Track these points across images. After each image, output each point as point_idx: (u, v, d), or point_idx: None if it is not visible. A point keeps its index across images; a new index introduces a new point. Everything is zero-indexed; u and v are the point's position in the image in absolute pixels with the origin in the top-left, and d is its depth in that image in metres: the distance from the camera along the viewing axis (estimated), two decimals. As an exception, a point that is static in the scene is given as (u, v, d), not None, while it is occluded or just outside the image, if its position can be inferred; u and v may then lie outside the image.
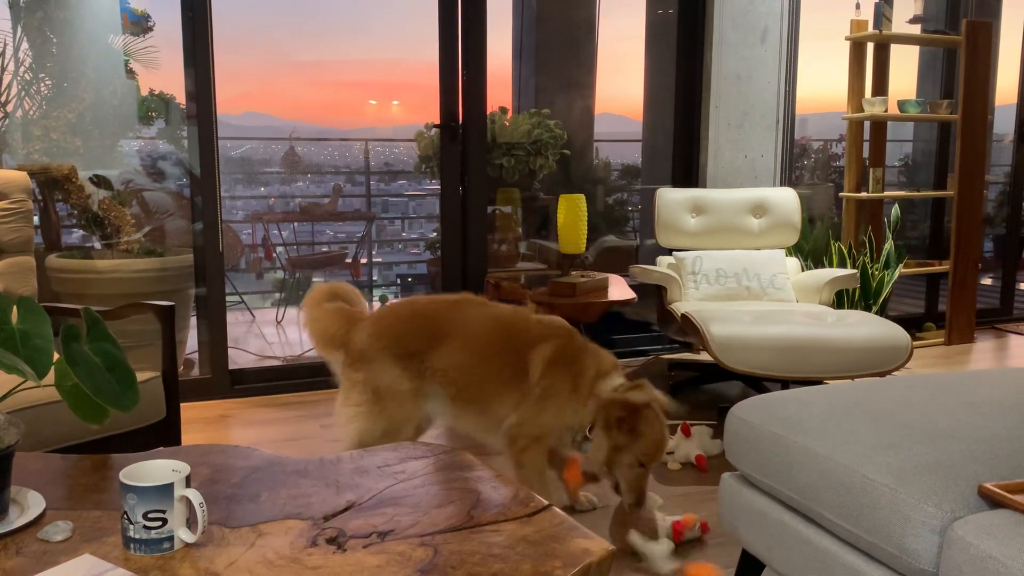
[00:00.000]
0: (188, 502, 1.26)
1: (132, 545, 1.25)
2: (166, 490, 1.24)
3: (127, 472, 1.27)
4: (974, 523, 1.35)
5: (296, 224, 7.09)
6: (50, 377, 1.38)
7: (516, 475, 2.28)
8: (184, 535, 1.27)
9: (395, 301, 2.55)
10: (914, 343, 3.25)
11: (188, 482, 1.29)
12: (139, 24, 4.42)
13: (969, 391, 1.99)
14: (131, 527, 1.24)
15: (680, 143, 4.62)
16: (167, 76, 4.53)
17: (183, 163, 4.24)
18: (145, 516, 1.23)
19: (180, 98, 4.39)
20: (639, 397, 2.20)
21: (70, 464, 1.64)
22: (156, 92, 4.55)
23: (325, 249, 7.58)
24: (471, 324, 2.36)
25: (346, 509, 1.42)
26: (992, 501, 1.40)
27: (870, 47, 4.86)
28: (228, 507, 1.43)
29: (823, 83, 6.12)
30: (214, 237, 3.81)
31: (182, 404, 2.53)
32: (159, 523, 1.24)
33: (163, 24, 4.47)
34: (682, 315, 3.40)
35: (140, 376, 2.25)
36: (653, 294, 3.92)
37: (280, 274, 6.67)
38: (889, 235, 4.74)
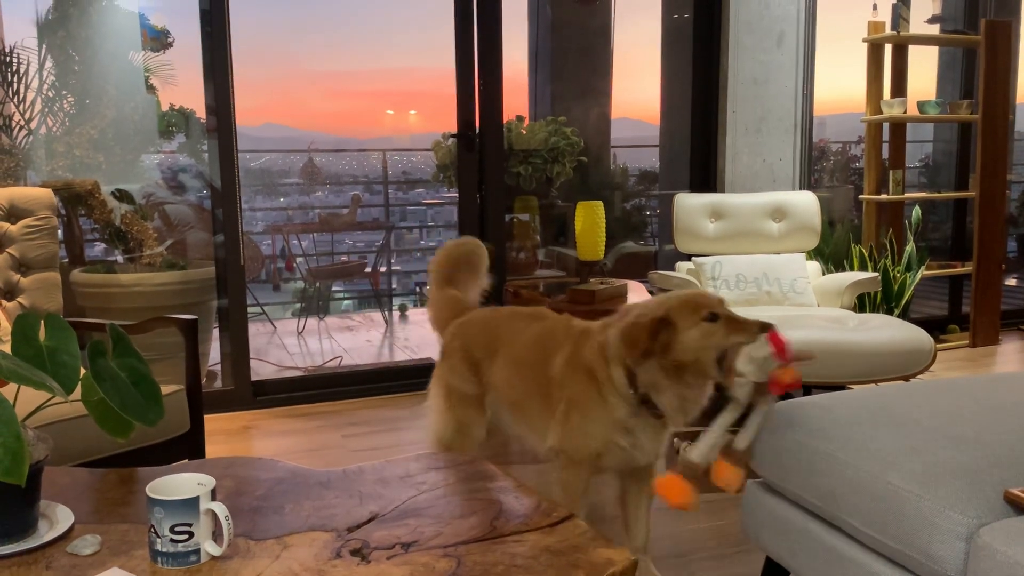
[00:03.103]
0: (214, 515, 1.28)
1: (159, 558, 1.26)
2: (192, 503, 1.26)
3: (154, 486, 1.29)
4: (1001, 529, 1.34)
5: (315, 234, 7.14)
6: (76, 392, 1.40)
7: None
8: (210, 548, 1.28)
9: (489, 309, 2.52)
10: (938, 346, 3.22)
11: (214, 495, 1.30)
12: (159, 40, 4.48)
13: (994, 395, 1.97)
14: (158, 540, 1.26)
15: (698, 148, 4.61)
16: (187, 90, 4.58)
17: (204, 176, 4.29)
18: (172, 529, 1.25)
19: (200, 112, 4.45)
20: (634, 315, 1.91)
21: (97, 478, 1.66)
22: (176, 107, 4.60)
23: (344, 258, 7.62)
24: (516, 338, 2.26)
25: (369, 520, 1.43)
26: (1019, 507, 1.39)
27: (888, 48, 4.83)
28: (253, 519, 1.44)
29: (841, 85, 6.09)
30: (235, 249, 3.84)
31: (205, 416, 2.55)
32: (186, 536, 1.25)
33: (182, 39, 4.53)
34: (702, 321, 3.39)
35: (164, 390, 2.27)
36: (673, 300, 3.90)
37: (300, 284, 6.72)
38: (910, 237, 4.71)
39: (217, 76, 3.74)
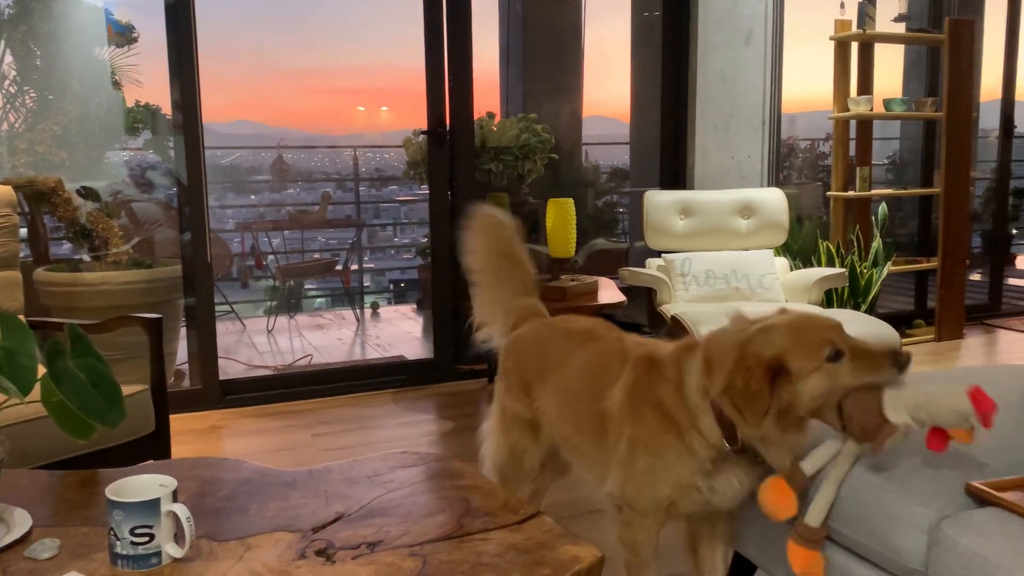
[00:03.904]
0: (175, 517, 1.26)
1: (119, 561, 1.24)
2: (152, 505, 1.24)
3: (113, 488, 1.27)
4: (962, 521, 1.36)
5: (286, 232, 7.08)
6: (36, 393, 1.38)
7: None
8: (172, 550, 1.26)
9: (544, 320, 2.17)
10: (904, 340, 3.26)
11: (175, 496, 1.28)
12: (124, 35, 4.41)
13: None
14: (118, 543, 1.24)
15: (667, 145, 4.63)
16: (153, 87, 4.52)
17: (172, 173, 4.23)
18: (132, 532, 1.23)
19: (166, 108, 4.39)
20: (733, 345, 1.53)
21: (57, 480, 1.63)
22: (142, 103, 4.54)
23: (317, 256, 7.57)
24: (566, 361, 1.97)
25: (335, 520, 1.42)
26: (980, 499, 1.41)
27: (855, 46, 4.88)
28: (216, 521, 1.42)
29: (811, 83, 6.15)
30: (202, 247, 3.80)
31: (173, 416, 2.52)
32: (146, 539, 1.23)
33: (148, 35, 4.47)
34: (672, 317, 3.41)
35: (128, 389, 2.24)
36: (643, 296, 3.93)
37: (271, 283, 6.66)
38: (877, 233, 4.76)
39: (183, 72, 3.69)
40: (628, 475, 1.70)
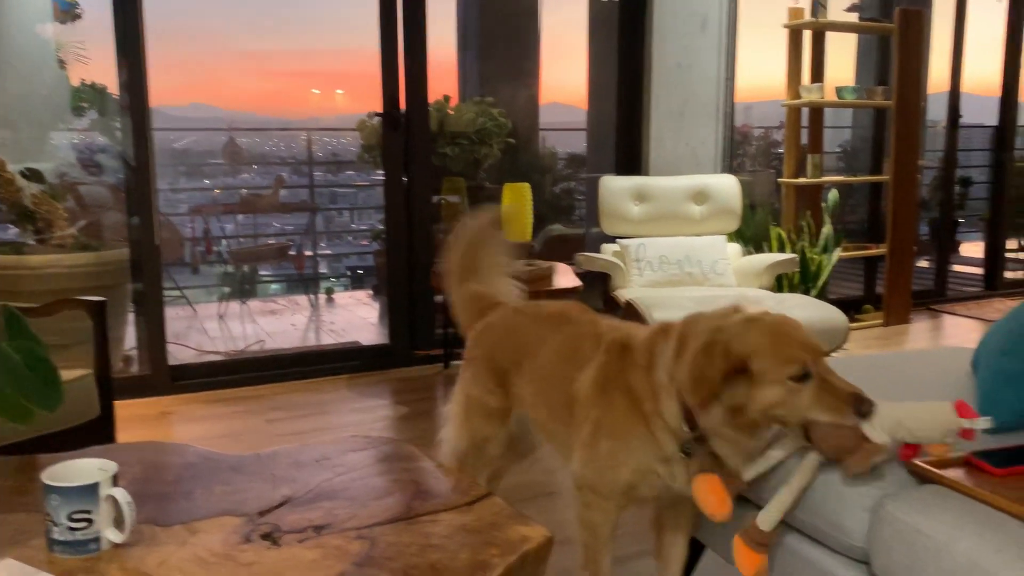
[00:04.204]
0: (115, 501, 1.23)
1: (56, 547, 1.21)
2: (91, 490, 1.21)
3: (50, 472, 1.23)
4: (903, 499, 1.39)
5: (240, 217, 6.97)
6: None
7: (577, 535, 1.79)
8: (112, 535, 1.23)
9: (516, 306, 2.15)
10: (852, 325, 3.32)
11: (115, 481, 1.25)
12: (68, 12, 4.29)
13: (904, 371, 2.05)
14: (55, 529, 1.21)
15: (623, 132, 4.64)
16: (100, 66, 4.40)
17: (119, 155, 4.13)
18: (70, 517, 1.20)
19: (113, 88, 4.28)
20: (699, 334, 1.51)
21: (-6, 466, 1.59)
22: (88, 83, 4.42)
23: (271, 241, 7.48)
24: (541, 345, 1.95)
25: (282, 504, 1.40)
26: (921, 477, 1.44)
27: (807, 35, 4.94)
28: (160, 505, 1.40)
29: (765, 71, 6.21)
30: (150, 231, 3.73)
31: (121, 402, 2.47)
32: (85, 524, 1.21)
33: (94, 12, 4.34)
34: (626, 302, 3.43)
35: (71, 374, 2.19)
36: (599, 282, 3.94)
37: (223, 267, 6.56)
38: (827, 220, 4.83)
39: (130, 52, 3.60)
40: (590, 457, 1.71)
